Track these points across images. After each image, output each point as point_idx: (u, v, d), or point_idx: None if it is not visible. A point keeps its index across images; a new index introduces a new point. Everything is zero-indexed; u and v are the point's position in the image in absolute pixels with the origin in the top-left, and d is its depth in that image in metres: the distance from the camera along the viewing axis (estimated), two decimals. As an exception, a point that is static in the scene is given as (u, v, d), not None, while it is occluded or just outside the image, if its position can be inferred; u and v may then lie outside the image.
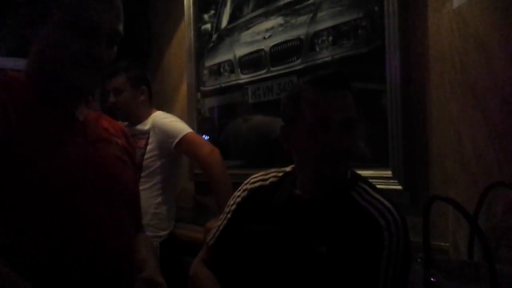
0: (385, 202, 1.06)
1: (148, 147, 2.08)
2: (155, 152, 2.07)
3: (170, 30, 2.79)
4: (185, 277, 1.27)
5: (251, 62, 2.13)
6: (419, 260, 0.98)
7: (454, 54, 1.23)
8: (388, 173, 1.46)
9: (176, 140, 2.02)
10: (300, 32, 1.85)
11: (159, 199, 2.09)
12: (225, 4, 2.31)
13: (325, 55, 1.73)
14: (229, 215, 1.24)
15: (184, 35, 2.58)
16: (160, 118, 2.13)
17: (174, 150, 2.04)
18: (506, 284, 0.78)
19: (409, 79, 1.41)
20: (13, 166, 0.88)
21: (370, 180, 1.19)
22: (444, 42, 1.31)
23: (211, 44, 2.41)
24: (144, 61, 2.92)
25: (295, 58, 1.87)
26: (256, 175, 1.26)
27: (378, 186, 1.37)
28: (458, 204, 0.89)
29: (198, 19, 2.50)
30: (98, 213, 0.98)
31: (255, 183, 1.24)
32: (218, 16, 2.38)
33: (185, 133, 2.03)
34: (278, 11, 1.97)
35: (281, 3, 1.95)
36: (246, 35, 2.16)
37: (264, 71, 2.04)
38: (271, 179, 1.22)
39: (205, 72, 2.45)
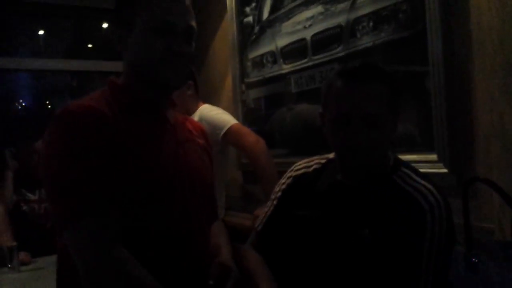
0: (428, 185, 1.06)
1: (197, 140, 2.16)
2: (204, 144, 2.15)
3: (214, 24, 2.86)
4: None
5: (292, 52, 2.16)
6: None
7: (494, 34, 1.21)
8: (434, 156, 1.44)
9: (223, 132, 2.09)
10: (340, 19, 1.85)
11: (210, 189, 2.17)
12: (266, -4, 2.34)
13: (366, 41, 1.72)
14: (275, 202, 1.29)
15: (227, 29, 2.63)
16: (207, 111, 2.20)
17: (221, 141, 2.10)
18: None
19: (452, 61, 1.39)
20: (124, 163, 0.98)
21: (416, 165, 1.19)
22: (484, 22, 1.29)
23: (254, 36, 2.45)
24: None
25: (336, 46, 1.87)
26: (300, 162, 1.30)
27: (424, 170, 1.37)
28: (496, 185, 0.89)
29: (240, 13, 2.55)
30: (186, 206, 1.09)
31: (299, 170, 1.27)
32: (259, 8, 2.41)
33: (230, 124, 2.09)
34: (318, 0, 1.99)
35: (321, -9, 1.96)
36: (287, 26, 2.19)
37: (305, 60, 2.06)
38: (314, 166, 1.25)
39: (249, 64, 2.50)
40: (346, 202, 1.12)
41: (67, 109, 0.99)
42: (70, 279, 1.03)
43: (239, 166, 2.56)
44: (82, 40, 4.06)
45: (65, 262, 1.03)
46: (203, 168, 1.22)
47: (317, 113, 1.18)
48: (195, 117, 2.19)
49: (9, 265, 2.16)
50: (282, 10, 2.23)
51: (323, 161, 1.25)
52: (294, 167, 1.30)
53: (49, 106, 4.78)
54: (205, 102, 2.32)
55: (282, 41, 2.22)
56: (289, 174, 1.29)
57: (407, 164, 1.16)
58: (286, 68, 2.20)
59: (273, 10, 2.30)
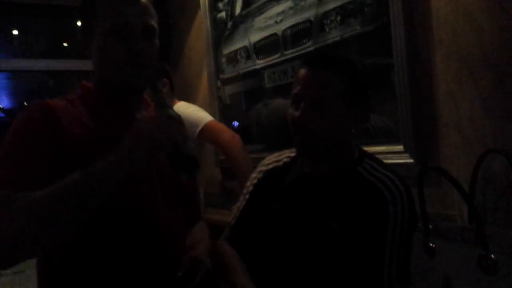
0: (391, 175, 1.11)
1: (173, 137, 2.17)
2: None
3: (188, 20, 2.86)
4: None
5: (265, 47, 2.18)
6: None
7: (448, 27, 1.25)
8: (400, 147, 1.48)
9: (199, 129, 2.10)
10: (310, 14, 1.87)
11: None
12: (238, -9, 2.35)
13: (334, 35, 1.75)
14: (247, 196, 1.31)
15: (202, 25, 2.64)
16: (183, 108, 2.19)
17: (197, 138, 2.11)
18: (495, 245, 0.83)
19: (415, 54, 1.43)
20: (87, 162, 0.97)
21: (384, 156, 1.23)
22: (441, 16, 1.33)
23: (227, 32, 2.46)
24: (165, 53, 3.01)
25: (307, 40, 1.90)
26: (270, 156, 1.33)
27: (391, 161, 1.43)
28: (447, 173, 0.93)
29: (213, 8, 2.55)
30: (155, 203, 1.09)
31: (269, 165, 1.30)
32: (232, 3, 2.42)
33: (206, 121, 2.11)
34: (288, -6, 2.00)
35: (290, -14, 1.98)
36: (259, 21, 2.20)
37: (278, 55, 2.08)
38: (284, 160, 1.28)
39: (223, 60, 2.52)
40: (314, 194, 1.16)
41: (29, 105, 1.05)
42: (51, 279, 1.05)
43: (217, 163, 2.57)
44: (58, 39, 4.02)
45: (45, 264, 1.05)
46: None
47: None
48: (171, 114, 2.20)
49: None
50: (254, 5, 2.24)
51: (293, 154, 1.28)
52: (265, 161, 1.33)
53: (26, 107, 4.72)
54: (182, 99, 2.32)
55: (254, 37, 2.24)
56: (260, 169, 1.32)
57: (371, 155, 1.20)
58: (260, 63, 2.22)
59: (245, 5, 2.31)
